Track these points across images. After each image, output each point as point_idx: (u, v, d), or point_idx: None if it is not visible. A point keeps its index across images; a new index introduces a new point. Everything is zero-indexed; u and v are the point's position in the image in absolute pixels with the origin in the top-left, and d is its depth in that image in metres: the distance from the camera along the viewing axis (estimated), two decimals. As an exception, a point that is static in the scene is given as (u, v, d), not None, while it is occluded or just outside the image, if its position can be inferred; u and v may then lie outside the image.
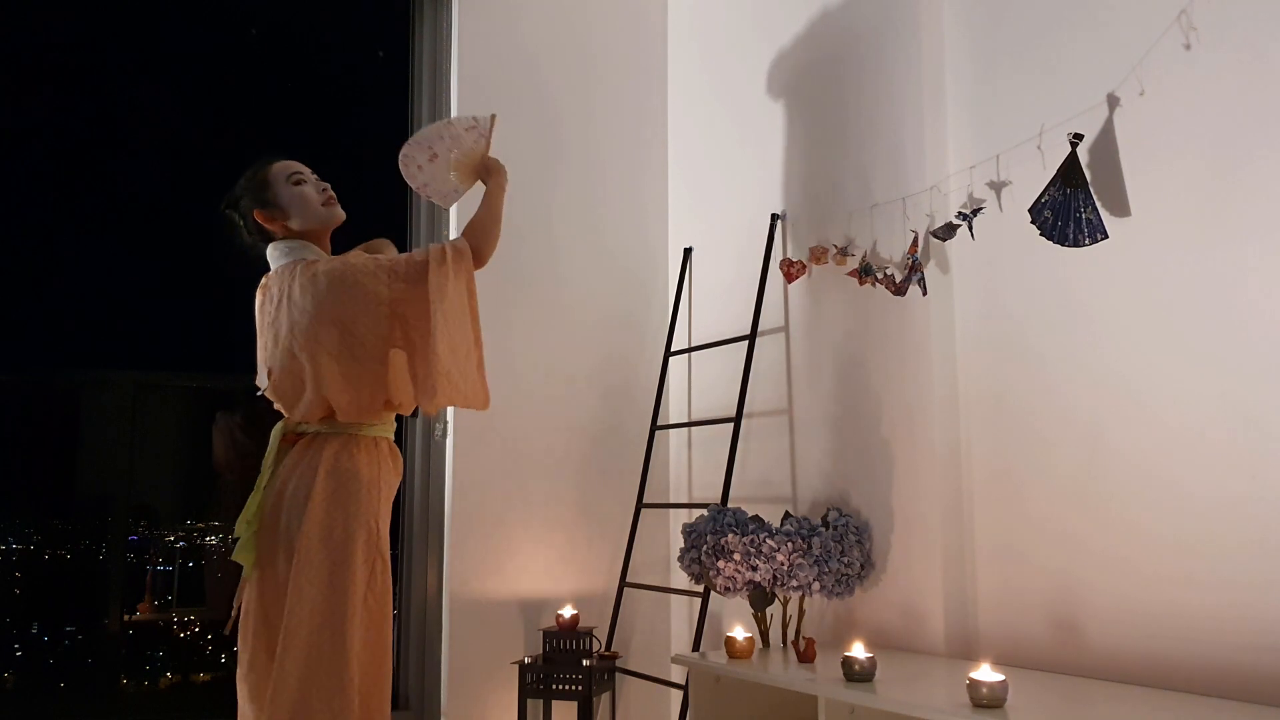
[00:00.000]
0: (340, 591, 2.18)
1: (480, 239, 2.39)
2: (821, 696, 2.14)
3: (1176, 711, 1.86)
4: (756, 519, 2.70)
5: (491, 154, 2.55)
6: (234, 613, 2.34)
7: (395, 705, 3.09)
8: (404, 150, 2.55)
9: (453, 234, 3.48)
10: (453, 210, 3.49)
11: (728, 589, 2.66)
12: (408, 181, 2.57)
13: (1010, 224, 2.46)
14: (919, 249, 2.60)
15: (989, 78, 2.60)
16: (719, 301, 3.51)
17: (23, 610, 3.52)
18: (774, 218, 3.23)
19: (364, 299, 2.25)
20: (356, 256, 2.37)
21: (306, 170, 2.46)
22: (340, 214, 2.45)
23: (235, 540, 2.29)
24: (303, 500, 2.22)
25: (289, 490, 2.26)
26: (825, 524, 2.70)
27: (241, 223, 2.44)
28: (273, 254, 2.41)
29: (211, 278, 3.74)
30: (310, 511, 2.20)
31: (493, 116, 2.52)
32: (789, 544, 2.59)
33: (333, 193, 2.46)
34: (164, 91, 3.80)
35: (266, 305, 2.40)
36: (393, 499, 2.39)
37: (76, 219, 3.72)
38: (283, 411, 2.40)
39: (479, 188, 2.56)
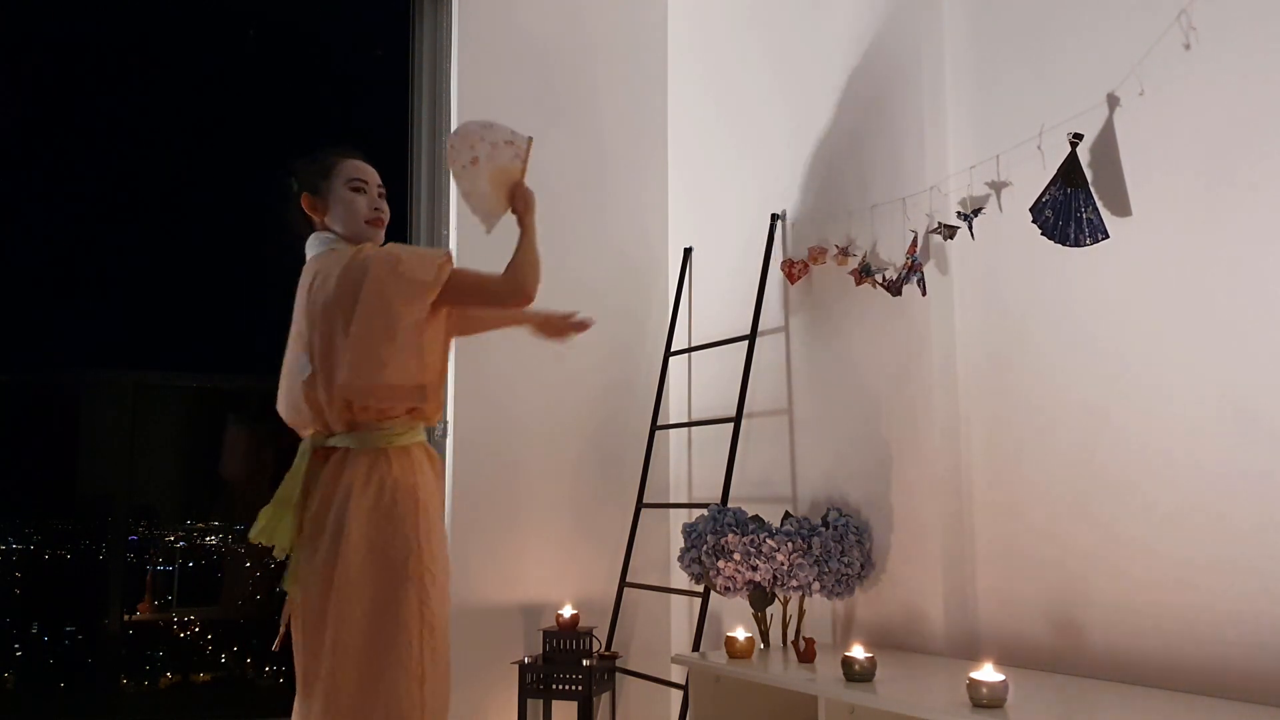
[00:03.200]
0: (390, 613, 2.09)
1: (530, 279, 2.41)
2: (821, 696, 2.14)
3: (1176, 711, 1.86)
4: (756, 519, 2.70)
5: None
6: (281, 630, 2.24)
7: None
8: (450, 141, 2.47)
9: (452, 233, 3.47)
10: (451, 209, 3.49)
11: (728, 589, 2.66)
12: (454, 179, 2.48)
13: (1010, 224, 2.46)
14: (918, 249, 2.60)
15: (989, 78, 2.60)
16: (719, 301, 3.51)
17: (23, 610, 3.52)
18: (774, 218, 3.23)
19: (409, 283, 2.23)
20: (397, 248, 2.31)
21: (373, 182, 2.39)
22: (379, 240, 2.38)
23: (247, 536, 2.21)
24: (340, 523, 2.13)
25: (330, 514, 2.16)
26: (825, 524, 2.69)
27: (292, 194, 2.40)
28: (311, 243, 2.37)
29: (212, 278, 3.74)
30: (349, 534, 2.11)
31: (529, 140, 2.48)
32: (789, 544, 2.59)
33: (385, 216, 2.40)
34: (165, 92, 3.80)
35: (301, 295, 2.34)
36: (439, 505, 2.28)
37: (76, 220, 3.72)
38: (301, 425, 2.31)
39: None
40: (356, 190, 2.36)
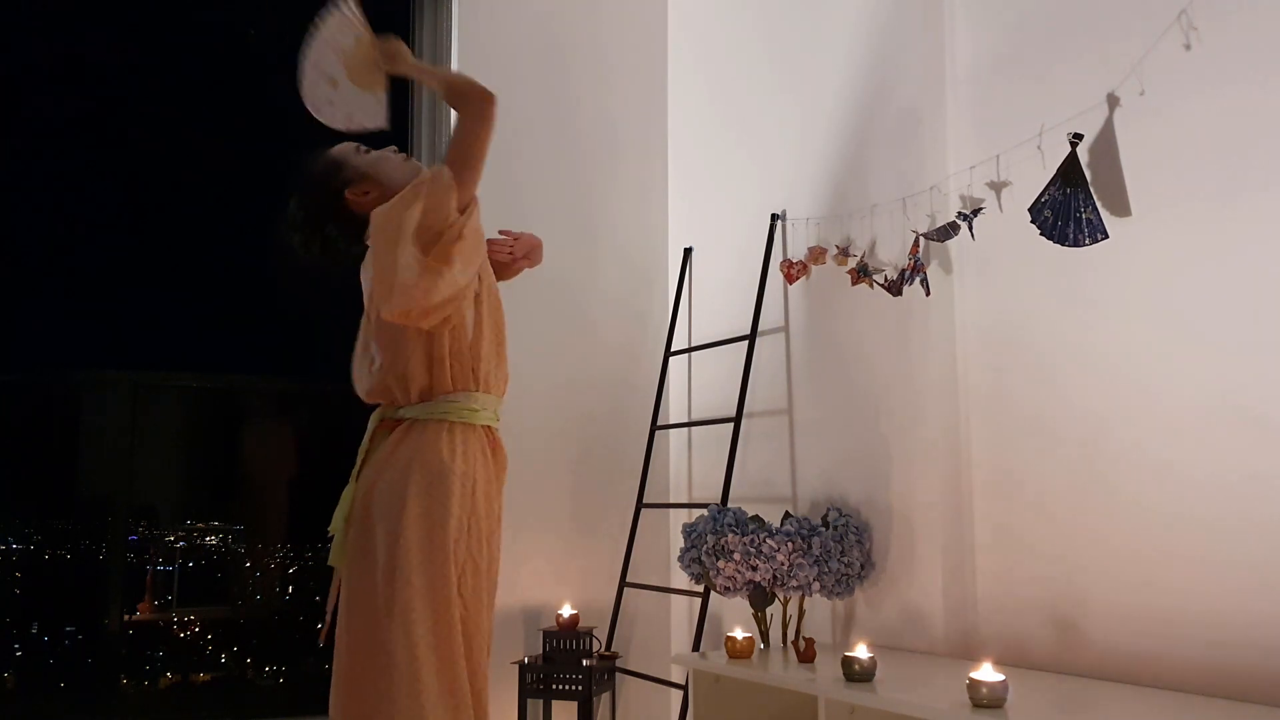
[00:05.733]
0: (388, 595, 1.97)
1: (470, 86, 2.12)
2: (821, 696, 2.14)
3: (1176, 711, 1.86)
4: (756, 519, 2.70)
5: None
6: (327, 618, 2.13)
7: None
8: (306, 96, 2.26)
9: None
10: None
11: (728, 589, 2.65)
12: (333, 126, 2.27)
13: (1010, 224, 2.46)
14: (920, 249, 2.60)
15: (989, 77, 2.60)
16: (719, 301, 3.51)
17: (23, 610, 3.52)
18: (774, 218, 3.23)
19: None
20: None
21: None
22: (424, 169, 2.19)
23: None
24: (391, 496, 2.03)
25: (381, 484, 2.07)
26: (825, 524, 2.69)
27: (336, 233, 2.19)
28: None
29: (212, 278, 3.74)
30: (393, 507, 2.02)
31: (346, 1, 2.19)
32: (789, 544, 2.59)
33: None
34: (164, 92, 3.80)
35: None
36: (497, 496, 2.19)
37: (76, 219, 3.72)
38: (375, 396, 2.21)
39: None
40: (368, 151, 2.23)
